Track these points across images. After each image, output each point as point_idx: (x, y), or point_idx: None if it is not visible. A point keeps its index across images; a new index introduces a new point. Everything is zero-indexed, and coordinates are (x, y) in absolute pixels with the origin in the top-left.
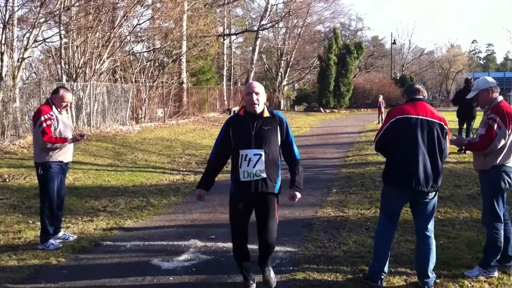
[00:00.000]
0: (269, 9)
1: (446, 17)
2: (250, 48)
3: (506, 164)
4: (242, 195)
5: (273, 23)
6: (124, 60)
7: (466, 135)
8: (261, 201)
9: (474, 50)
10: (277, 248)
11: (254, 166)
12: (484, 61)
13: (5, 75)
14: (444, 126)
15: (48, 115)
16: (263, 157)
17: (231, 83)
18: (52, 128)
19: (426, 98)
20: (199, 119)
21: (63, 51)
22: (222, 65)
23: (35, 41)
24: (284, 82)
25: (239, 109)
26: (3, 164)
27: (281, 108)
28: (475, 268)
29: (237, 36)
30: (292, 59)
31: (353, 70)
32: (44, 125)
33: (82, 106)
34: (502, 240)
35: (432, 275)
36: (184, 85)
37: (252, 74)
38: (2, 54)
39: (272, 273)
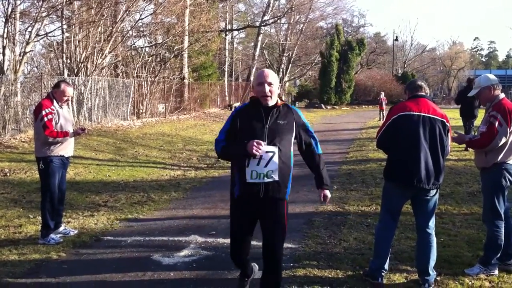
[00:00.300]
0: (271, 5)
1: (448, 14)
2: (252, 44)
3: (508, 162)
4: (248, 200)
5: (275, 19)
6: (126, 55)
7: (467, 132)
8: (270, 209)
9: (476, 47)
10: None
11: (265, 166)
12: (486, 59)
13: (7, 69)
14: (446, 123)
15: (49, 109)
16: (276, 155)
17: (233, 79)
18: (53, 123)
19: (428, 95)
20: (200, 115)
21: (65, 45)
22: (224, 60)
23: (37, 35)
24: (286, 78)
25: (249, 101)
26: (4, 158)
27: None
28: (476, 266)
29: (239, 31)
30: (293, 55)
31: (355, 67)
32: (45, 119)
33: (84, 100)
34: (503, 238)
35: (432, 272)
36: (186, 81)
37: (254, 70)
38: (4, 48)
39: None
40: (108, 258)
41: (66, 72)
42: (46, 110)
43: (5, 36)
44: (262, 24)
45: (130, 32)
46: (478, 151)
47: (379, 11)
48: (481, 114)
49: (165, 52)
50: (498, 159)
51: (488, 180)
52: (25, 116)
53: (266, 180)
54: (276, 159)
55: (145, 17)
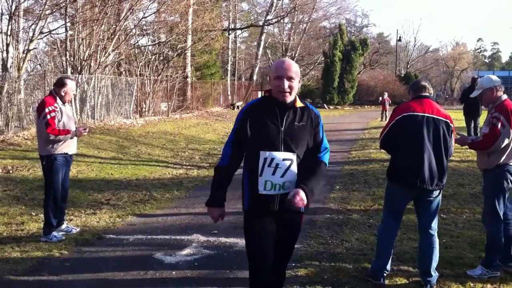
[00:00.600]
0: (274, 4)
1: (451, 15)
2: (255, 43)
3: (510, 164)
4: (261, 213)
5: (279, 18)
6: (129, 53)
7: (474, 133)
8: (285, 223)
9: (480, 48)
10: None
11: (282, 176)
12: (489, 60)
13: (10, 66)
14: (450, 124)
15: (52, 107)
16: (294, 163)
17: (235, 78)
18: (56, 120)
19: (432, 95)
20: (202, 114)
21: (68, 43)
22: (227, 59)
23: (41, 32)
24: None
25: (262, 94)
26: (7, 156)
27: None
28: (478, 267)
29: (242, 31)
30: (296, 54)
31: (358, 67)
32: (48, 117)
33: (87, 98)
34: (503, 240)
35: (434, 273)
36: (189, 79)
37: (257, 69)
38: (8, 45)
39: None
40: (110, 256)
41: (69, 70)
42: (50, 107)
43: (8, 33)
44: (265, 24)
45: (134, 31)
46: (480, 152)
47: (382, 11)
48: (484, 112)
49: (168, 51)
50: (501, 161)
51: (489, 182)
52: (28, 114)
53: (282, 191)
54: (294, 168)
55: (148, 16)
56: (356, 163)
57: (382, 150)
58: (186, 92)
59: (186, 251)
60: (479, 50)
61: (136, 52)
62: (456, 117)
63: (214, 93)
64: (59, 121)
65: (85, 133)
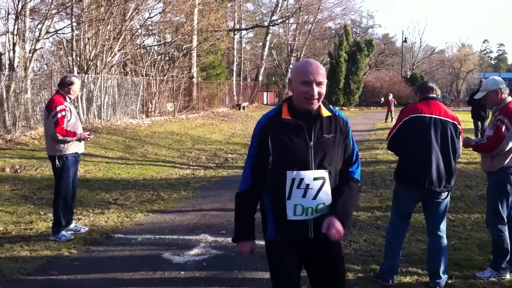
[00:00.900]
0: (280, 5)
1: (457, 17)
2: (260, 44)
3: None
4: (290, 242)
5: (284, 19)
6: (135, 53)
7: (481, 136)
8: (321, 253)
9: (485, 50)
10: None
11: (314, 198)
12: (495, 61)
13: (17, 66)
14: (458, 126)
15: (63, 106)
16: (327, 182)
17: (241, 78)
18: (66, 120)
19: (439, 96)
20: (208, 114)
21: (74, 43)
22: (232, 60)
23: (47, 32)
24: None
25: (279, 104)
26: (15, 155)
27: None
28: (487, 269)
29: (247, 31)
30: (302, 55)
31: (363, 68)
32: (59, 115)
33: (93, 98)
34: (508, 242)
35: (443, 275)
36: (194, 80)
37: (262, 69)
38: (14, 45)
39: None
40: (119, 255)
41: (75, 69)
42: (60, 106)
43: (15, 33)
44: (271, 24)
45: (139, 31)
46: (484, 155)
47: (388, 12)
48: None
49: (174, 51)
50: (505, 164)
51: (493, 184)
52: (35, 113)
53: (315, 215)
54: (327, 187)
55: (154, 16)
56: (362, 164)
57: (389, 151)
58: (192, 93)
59: (194, 251)
60: (485, 52)
61: (142, 52)
62: (463, 118)
63: (220, 93)
64: (68, 120)
65: (89, 139)
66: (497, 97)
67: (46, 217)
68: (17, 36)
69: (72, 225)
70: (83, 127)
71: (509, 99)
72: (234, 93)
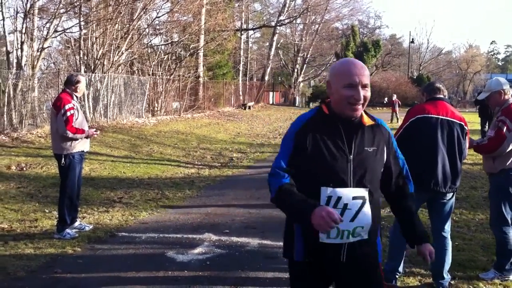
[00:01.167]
0: (287, 5)
1: (465, 17)
2: (267, 44)
3: None
4: (320, 267)
5: (291, 19)
6: (142, 52)
7: (483, 136)
8: (356, 281)
9: (493, 51)
10: None
11: (352, 220)
12: (503, 63)
13: (25, 64)
14: (464, 127)
15: (71, 104)
16: (367, 202)
17: (247, 78)
18: (74, 118)
19: (446, 97)
20: (214, 114)
21: (82, 42)
22: (239, 60)
23: (55, 31)
24: (300, 79)
25: (318, 107)
26: (21, 153)
27: (296, 105)
28: (490, 270)
29: (254, 31)
30: (308, 55)
31: (370, 68)
32: (68, 114)
33: (100, 97)
34: None
35: (447, 276)
36: (201, 79)
37: (268, 69)
38: (22, 43)
39: None
40: (123, 254)
41: (82, 68)
42: (69, 105)
43: (23, 31)
44: (278, 24)
45: (147, 30)
46: (486, 156)
47: (396, 13)
48: None
49: (180, 51)
50: (506, 165)
51: (495, 186)
52: (42, 112)
53: (352, 239)
54: (367, 208)
55: (161, 15)
56: None
57: None
58: (198, 92)
59: (198, 250)
60: (492, 53)
61: (149, 51)
62: (469, 119)
63: (226, 93)
64: (76, 119)
65: (96, 135)
66: (500, 98)
67: (51, 215)
68: (25, 35)
69: (76, 223)
70: (89, 126)
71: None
72: (240, 93)
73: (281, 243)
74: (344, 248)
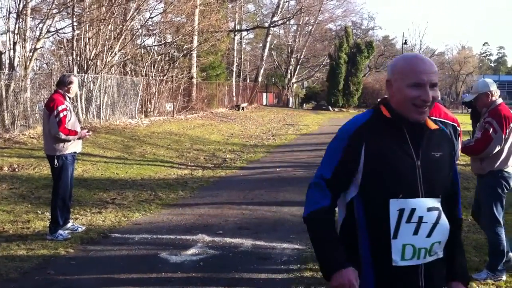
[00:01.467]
0: (280, 6)
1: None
2: (261, 45)
3: (505, 170)
4: None
5: (285, 20)
6: (135, 53)
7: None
8: None
9: (485, 52)
10: (284, 246)
11: (429, 235)
12: (495, 64)
13: (17, 65)
14: (457, 128)
15: (64, 105)
16: (443, 214)
17: (241, 79)
18: (67, 120)
19: (439, 98)
20: (207, 115)
21: (75, 42)
22: (232, 61)
23: (48, 31)
24: (294, 80)
25: (375, 106)
26: (13, 154)
27: (290, 106)
28: (483, 271)
29: (248, 32)
30: (302, 56)
31: (363, 69)
32: (61, 115)
33: (92, 98)
34: (505, 244)
35: None
36: (194, 80)
37: (262, 70)
38: (15, 44)
39: None
40: (116, 255)
41: (75, 69)
42: (62, 106)
43: (16, 32)
44: (271, 25)
45: (140, 31)
46: (473, 157)
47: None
48: None
49: (174, 51)
50: (495, 167)
51: (484, 187)
52: (34, 112)
53: (429, 259)
54: (444, 220)
55: (155, 16)
56: None
57: None
58: (191, 93)
59: (191, 251)
60: (485, 54)
61: (142, 52)
62: (462, 120)
63: (219, 94)
64: (69, 120)
65: (88, 136)
66: (487, 100)
67: (44, 216)
68: (18, 35)
69: (69, 224)
70: (81, 127)
71: (499, 101)
72: (234, 94)
73: (274, 244)
74: (422, 270)
